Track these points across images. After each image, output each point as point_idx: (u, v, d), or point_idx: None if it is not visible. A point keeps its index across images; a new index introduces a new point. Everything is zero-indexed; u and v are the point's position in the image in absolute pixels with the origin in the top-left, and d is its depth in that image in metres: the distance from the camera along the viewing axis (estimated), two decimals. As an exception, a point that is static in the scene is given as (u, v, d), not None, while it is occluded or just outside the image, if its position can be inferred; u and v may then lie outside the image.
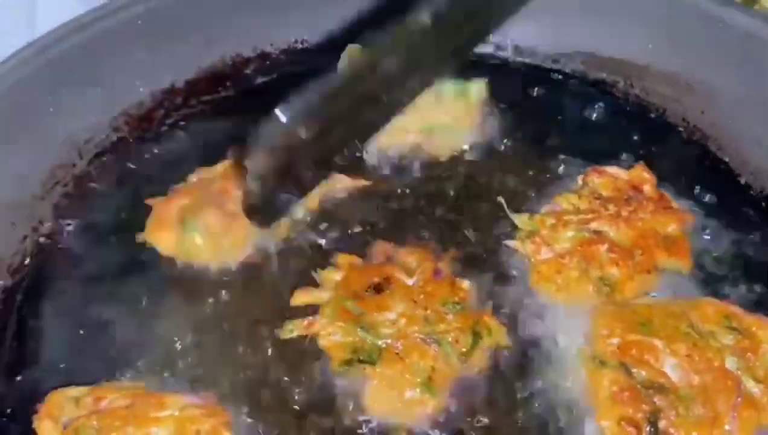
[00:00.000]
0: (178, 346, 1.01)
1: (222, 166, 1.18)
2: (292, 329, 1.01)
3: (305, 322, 1.01)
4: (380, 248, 1.12)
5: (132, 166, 1.25)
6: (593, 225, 1.09)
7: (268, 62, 1.42)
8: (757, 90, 1.22)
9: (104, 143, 1.27)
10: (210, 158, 1.21)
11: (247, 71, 1.41)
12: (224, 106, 1.37)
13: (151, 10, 1.29)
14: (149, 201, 1.15)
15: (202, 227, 1.08)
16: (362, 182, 1.19)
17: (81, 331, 1.04)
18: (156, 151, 1.27)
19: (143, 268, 1.09)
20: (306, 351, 0.99)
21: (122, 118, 1.29)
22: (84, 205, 1.19)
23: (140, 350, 1.01)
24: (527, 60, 1.43)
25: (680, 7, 1.28)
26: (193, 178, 1.17)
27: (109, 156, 1.26)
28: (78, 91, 1.23)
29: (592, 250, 1.06)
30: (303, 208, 1.14)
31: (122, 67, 1.28)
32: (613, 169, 1.18)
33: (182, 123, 1.33)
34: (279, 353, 1.00)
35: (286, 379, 0.97)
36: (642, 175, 1.17)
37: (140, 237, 1.11)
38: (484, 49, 1.43)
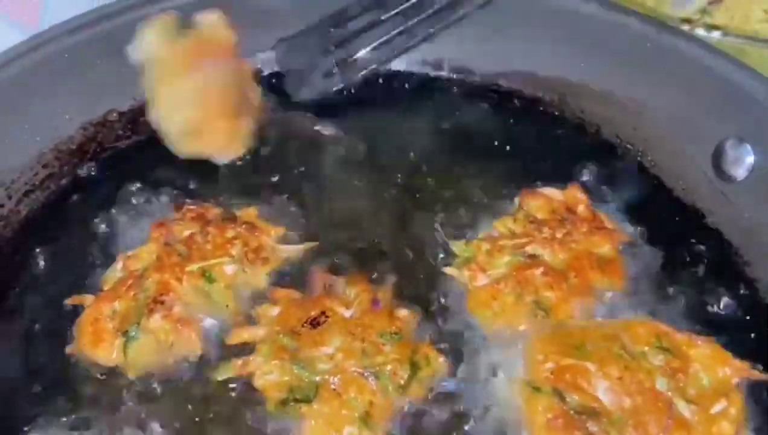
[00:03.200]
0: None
1: (147, 251, 1.09)
2: (226, 371, 0.99)
3: (240, 361, 1.00)
4: (318, 278, 1.11)
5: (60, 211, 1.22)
6: (528, 249, 1.10)
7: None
8: (686, 107, 1.25)
9: (33, 181, 1.23)
10: (147, 194, 1.21)
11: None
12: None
13: (79, 43, 1.26)
14: (74, 300, 1.06)
15: (148, 338, 1.00)
16: (311, 245, 1.15)
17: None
18: (88, 192, 1.24)
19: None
20: (241, 393, 0.98)
21: (52, 153, 1.26)
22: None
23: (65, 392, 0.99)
24: (464, 79, 1.43)
25: (612, 27, 1.30)
26: (118, 265, 1.09)
27: (39, 193, 1.23)
28: (4, 127, 1.20)
29: (526, 275, 1.07)
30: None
31: (51, 101, 1.25)
32: (547, 190, 1.19)
33: (116, 156, 1.30)
34: (212, 397, 0.98)
35: (219, 424, 0.96)
36: (575, 195, 1.18)
37: (69, 349, 1.02)
38: (421, 69, 1.44)
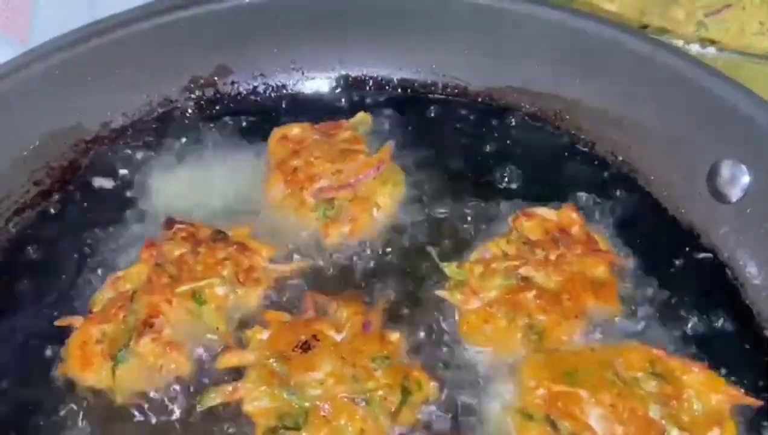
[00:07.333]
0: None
1: (137, 272, 1.08)
2: (215, 396, 0.98)
3: (230, 387, 0.99)
4: (310, 301, 1.10)
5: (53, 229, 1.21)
6: (521, 271, 1.09)
7: (202, 104, 1.39)
8: (682, 126, 1.24)
9: (25, 198, 1.22)
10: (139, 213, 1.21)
11: (177, 114, 1.38)
12: (152, 152, 1.34)
13: (70, 59, 1.25)
14: (63, 322, 1.05)
15: (137, 361, 0.99)
16: (303, 265, 1.15)
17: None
18: (79, 210, 1.24)
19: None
20: (230, 419, 0.97)
21: (44, 170, 1.25)
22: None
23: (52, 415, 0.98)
24: (459, 95, 1.42)
25: (607, 44, 1.29)
26: (108, 285, 1.08)
27: (30, 211, 1.22)
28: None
29: (519, 298, 1.05)
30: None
31: (42, 118, 1.24)
32: (541, 211, 1.18)
33: (108, 172, 1.29)
34: (201, 423, 0.97)
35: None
36: (570, 215, 1.17)
37: (58, 371, 1.02)
38: (414, 85, 1.43)
